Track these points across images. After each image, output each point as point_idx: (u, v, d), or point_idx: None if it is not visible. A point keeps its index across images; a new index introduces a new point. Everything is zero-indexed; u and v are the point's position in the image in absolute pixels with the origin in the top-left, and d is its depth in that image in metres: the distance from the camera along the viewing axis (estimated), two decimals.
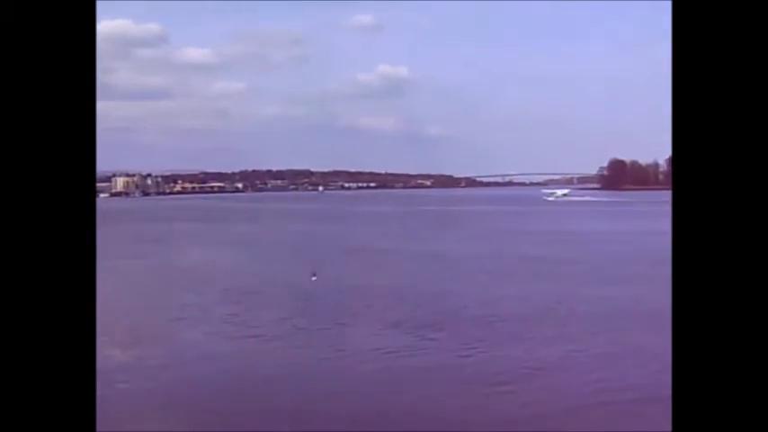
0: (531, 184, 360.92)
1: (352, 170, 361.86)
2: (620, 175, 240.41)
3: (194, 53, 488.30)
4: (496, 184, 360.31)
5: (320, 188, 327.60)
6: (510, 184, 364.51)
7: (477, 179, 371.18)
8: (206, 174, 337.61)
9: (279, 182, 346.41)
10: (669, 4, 5.61)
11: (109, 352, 19.62)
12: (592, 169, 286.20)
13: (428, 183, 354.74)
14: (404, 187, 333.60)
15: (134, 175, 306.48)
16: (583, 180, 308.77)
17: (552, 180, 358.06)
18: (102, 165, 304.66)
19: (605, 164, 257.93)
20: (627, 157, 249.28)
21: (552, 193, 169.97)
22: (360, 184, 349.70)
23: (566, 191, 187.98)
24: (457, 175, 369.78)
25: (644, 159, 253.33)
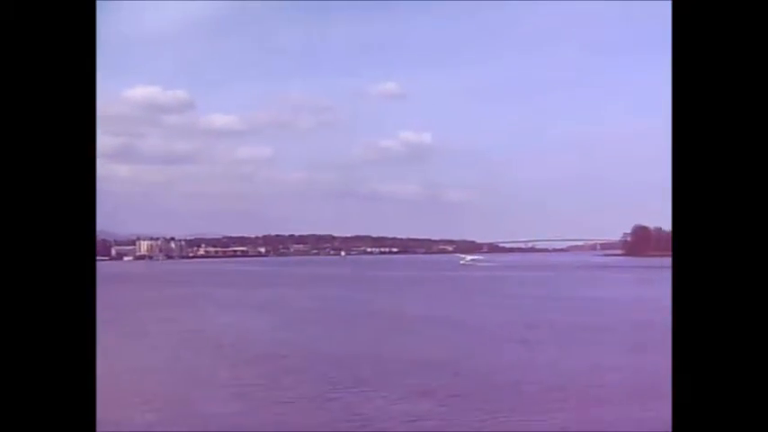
0: (554, 250, 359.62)
1: (375, 235, 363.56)
2: (643, 242, 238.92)
3: (220, 119, 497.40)
4: (519, 249, 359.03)
5: (342, 253, 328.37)
6: (533, 250, 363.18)
7: (500, 244, 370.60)
8: (229, 238, 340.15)
9: (301, 246, 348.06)
10: None
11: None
12: (616, 235, 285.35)
13: (450, 248, 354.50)
14: (425, 252, 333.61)
15: (158, 239, 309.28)
16: (606, 246, 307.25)
17: (575, 246, 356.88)
18: (127, 228, 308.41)
19: (629, 230, 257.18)
20: (651, 223, 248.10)
21: (463, 258, 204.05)
22: (382, 249, 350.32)
23: (476, 257, 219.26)
24: (479, 240, 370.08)
25: (668, 226, 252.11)
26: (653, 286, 73.71)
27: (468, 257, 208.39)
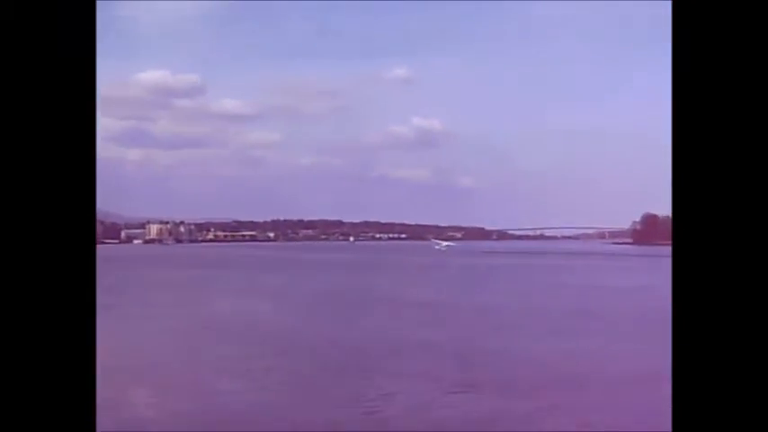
0: (563, 237, 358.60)
1: (384, 221, 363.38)
2: (652, 230, 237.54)
3: (231, 104, 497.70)
4: (528, 237, 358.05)
5: (351, 238, 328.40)
6: (542, 237, 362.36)
7: (509, 232, 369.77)
8: (238, 222, 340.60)
9: (310, 231, 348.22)
10: None
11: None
12: (625, 224, 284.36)
13: (459, 235, 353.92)
14: (434, 239, 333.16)
15: (168, 223, 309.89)
16: (615, 234, 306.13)
17: (584, 234, 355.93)
18: (137, 211, 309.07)
19: (638, 218, 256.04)
20: (660, 211, 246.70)
21: (439, 244, 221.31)
22: (391, 235, 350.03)
23: (450, 243, 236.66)
24: (488, 227, 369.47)
25: None
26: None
27: (444, 243, 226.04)
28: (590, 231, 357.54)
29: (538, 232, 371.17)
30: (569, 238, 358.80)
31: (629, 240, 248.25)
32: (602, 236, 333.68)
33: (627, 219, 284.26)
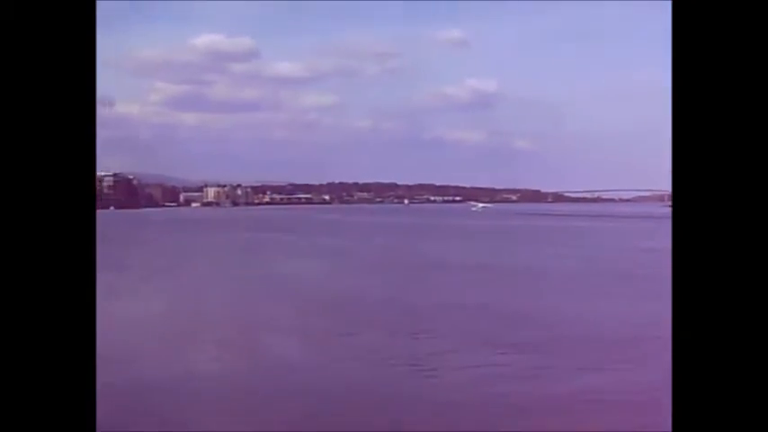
0: (621, 200, 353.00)
1: (438, 184, 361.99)
2: None
3: (285, 67, 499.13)
4: (584, 199, 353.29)
5: (405, 201, 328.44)
6: (599, 200, 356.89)
7: (565, 194, 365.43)
8: (294, 185, 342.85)
9: (365, 194, 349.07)
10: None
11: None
12: None
13: (514, 197, 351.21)
14: (489, 201, 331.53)
15: (225, 186, 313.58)
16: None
17: (641, 197, 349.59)
18: (195, 175, 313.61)
19: None
20: None
21: (475, 206, 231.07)
22: (445, 198, 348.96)
23: (487, 205, 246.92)
24: (544, 190, 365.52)
25: None
26: None
27: (480, 205, 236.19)
28: (647, 194, 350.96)
29: (595, 195, 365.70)
30: (628, 200, 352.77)
31: None
32: (660, 198, 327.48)
33: None
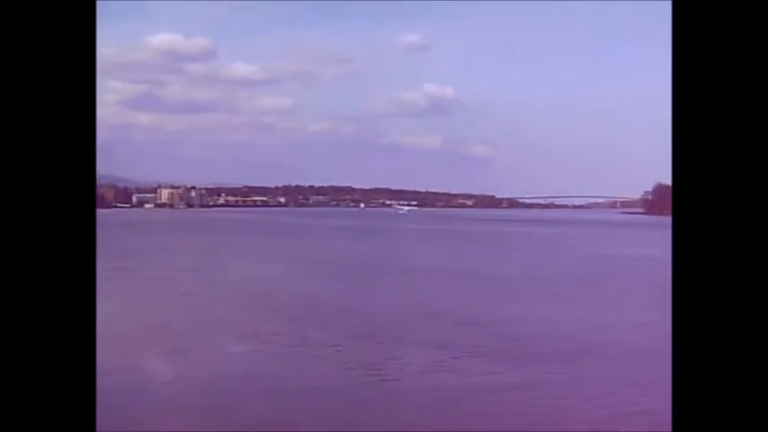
0: (573, 206, 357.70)
1: (394, 188, 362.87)
2: (664, 200, 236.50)
3: (242, 68, 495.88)
4: (539, 205, 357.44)
5: (362, 205, 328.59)
6: (552, 206, 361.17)
7: (520, 200, 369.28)
8: (249, 187, 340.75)
9: (321, 197, 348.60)
10: None
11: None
12: (636, 193, 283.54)
13: (469, 203, 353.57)
14: (444, 206, 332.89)
15: (179, 188, 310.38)
16: (626, 204, 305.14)
17: (595, 203, 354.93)
18: (149, 176, 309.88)
19: (650, 188, 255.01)
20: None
21: (401, 209, 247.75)
22: (401, 202, 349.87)
23: (410, 207, 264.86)
24: (499, 195, 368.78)
25: None
26: None
27: (405, 208, 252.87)
28: (601, 201, 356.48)
29: (548, 201, 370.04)
30: (581, 207, 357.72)
31: (641, 210, 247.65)
32: (613, 205, 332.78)
33: (639, 189, 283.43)
